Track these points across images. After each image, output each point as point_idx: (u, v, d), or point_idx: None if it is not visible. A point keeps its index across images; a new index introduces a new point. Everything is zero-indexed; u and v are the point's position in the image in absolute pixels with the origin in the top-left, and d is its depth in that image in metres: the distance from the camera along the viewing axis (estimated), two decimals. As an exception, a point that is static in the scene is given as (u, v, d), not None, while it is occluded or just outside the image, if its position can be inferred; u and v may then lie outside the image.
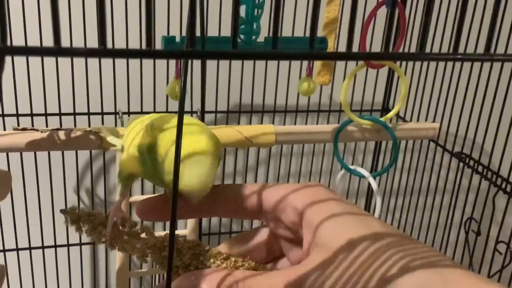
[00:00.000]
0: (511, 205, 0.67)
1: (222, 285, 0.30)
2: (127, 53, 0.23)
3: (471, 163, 0.73)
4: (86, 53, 0.22)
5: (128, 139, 0.38)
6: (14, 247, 0.87)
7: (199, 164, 0.31)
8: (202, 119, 0.71)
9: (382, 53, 0.27)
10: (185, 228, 0.89)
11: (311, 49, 0.26)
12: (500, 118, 0.68)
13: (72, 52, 0.21)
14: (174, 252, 0.34)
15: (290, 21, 0.81)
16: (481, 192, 0.72)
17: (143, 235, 0.36)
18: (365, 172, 0.70)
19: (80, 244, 0.92)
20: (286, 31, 0.82)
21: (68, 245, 0.90)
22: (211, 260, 0.33)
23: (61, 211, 0.36)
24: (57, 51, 0.21)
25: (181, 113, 0.37)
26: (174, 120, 0.35)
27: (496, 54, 0.27)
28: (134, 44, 0.78)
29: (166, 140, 0.33)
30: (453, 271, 0.26)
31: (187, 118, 0.35)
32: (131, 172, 0.37)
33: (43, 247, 0.89)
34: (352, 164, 0.83)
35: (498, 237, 0.69)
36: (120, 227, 0.36)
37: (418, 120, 0.86)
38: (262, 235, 0.36)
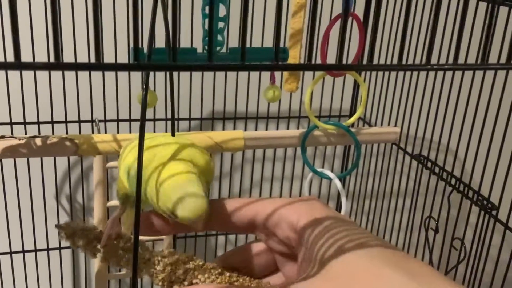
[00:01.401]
0: (465, 203, 0.72)
1: None
2: (76, 66, 0.27)
3: (429, 164, 0.78)
4: (43, 66, 0.25)
5: (123, 163, 0.38)
6: (-5, 252, 0.90)
7: (191, 188, 0.31)
8: (172, 127, 0.74)
9: (332, 65, 0.31)
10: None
11: (274, 60, 0.30)
12: (453, 122, 0.72)
13: (29, 66, 0.25)
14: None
15: (259, 32, 0.86)
16: (438, 192, 0.76)
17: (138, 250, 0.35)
18: (330, 174, 0.74)
19: (60, 248, 0.95)
20: (255, 42, 0.86)
21: (48, 249, 0.93)
22: (206, 275, 0.33)
23: (56, 226, 0.37)
24: (17, 65, 0.24)
25: (142, 122, 0.41)
26: (160, 141, 0.35)
27: (440, 64, 0.31)
28: (109, 57, 0.82)
29: (146, 164, 0.33)
30: (443, 285, 0.26)
31: (174, 138, 0.36)
32: (125, 191, 0.37)
33: (23, 252, 0.91)
34: (323, 167, 0.87)
35: (454, 234, 0.73)
36: (115, 242, 0.36)
37: (382, 124, 0.91)
38: (257, 249, 0.36)
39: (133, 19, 0.26)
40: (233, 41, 0.81)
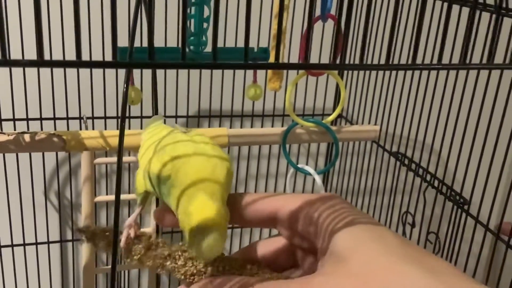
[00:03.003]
0: (439, 199, 0.74)
1: None
2: (61, 64, 0.29)
3: (406, 161, 0.81)
4: (27, 64, 0.28)
5: (143, 159, 0.38)
6: (-16, 246, 0.91)
7: (211, 235, 0.30)
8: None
9: (308, 64, 0.33)
10: (149, 227, 0.94)
11: (245, 61, 0.32)
12: (428, 120, 0.75)
13: (14, 63, 0.27)
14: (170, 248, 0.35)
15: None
16: (415, 187, 0.79)
17: (158, 247, 0.36)
18: (310, 170, 0.76)
19: (48, 242, 0.97)
20: (240, 42, 0.89)
21: (36, 244, 0.95)
22: (226, 268, 0.33)
23: (77, 229, 0.38)
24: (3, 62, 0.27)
25: (123, 118, 0.43)
26: (188, 151, 0.35)
27: (424, 64, 0.34)
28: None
29: (179, 185, 0.33)
30: (460, 282, 0.27)
31: (208, 148, 0.35)
32: (145, 189, 0.38)
33: (12, 246, 0.93)
34: (307, 164, 0.90)
35: (429, 228, 0.76)
36: (135, 241, 0.36)
37: (363, 122, 0.93)
38: (277, 244, 0.36)
39: (111, 17, 0.28)
40: (219, 41, 0.83)
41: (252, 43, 0.88)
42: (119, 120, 0.91)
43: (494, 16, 0.58)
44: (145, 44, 0.80)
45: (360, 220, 0.31)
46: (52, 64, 0.28)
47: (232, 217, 0.34)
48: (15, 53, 0.79)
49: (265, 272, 0.34)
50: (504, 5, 0.59)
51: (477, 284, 0.27)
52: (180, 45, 0.68)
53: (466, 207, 0.70)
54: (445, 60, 0.32)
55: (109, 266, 1.01)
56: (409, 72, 0.83)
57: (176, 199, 0.32)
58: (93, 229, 0.37)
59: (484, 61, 0.60)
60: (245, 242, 1.09)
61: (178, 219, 0.32)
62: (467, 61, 0.36)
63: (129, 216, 0.40)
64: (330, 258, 0.30)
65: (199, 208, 0.31)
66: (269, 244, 0.36)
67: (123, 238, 0.36)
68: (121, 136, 0.33)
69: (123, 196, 0.94)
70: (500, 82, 0.63)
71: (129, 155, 0.93)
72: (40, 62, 0.27)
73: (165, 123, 0.51)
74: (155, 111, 0.73)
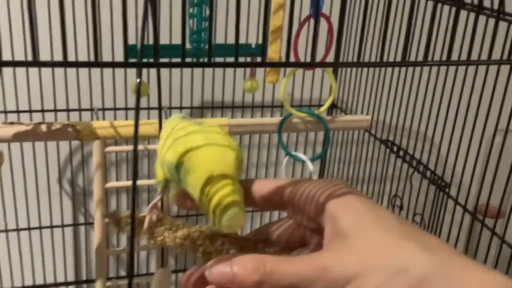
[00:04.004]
0: (424, 183, 0.80)
1: (251, 267, 0.32)
2: (83, 64, 0.35)
3: (395, 148, 0.86)
4: (55, 64, 0.34)
5: (163, 148, 0.39)
6: (3, 228, 0.98)
7: (231, 209, 0.33)
8: (159, 117, 0.82)
9: (297, 63, 0.39)
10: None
11: (236, 59, 0.38)
12: (414, 109, 0.81)
13: (43, 64, 0.33)
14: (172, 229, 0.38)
15: (244, 29, 0.94)
16: (403, 172, 0.85)
17: (178, 228, 0.38)
18: (303, 156, 0.82)
19: (62, 226, 1.04)
20: (241, 38, 0.94)
21: (51, 227, 1.02)
22: (241, 246, 0.36)
23: (105, 215, 0.42)
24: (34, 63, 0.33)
25: (137, 111, 0.48)
26: (198, 140, 0.37)
27: (411, 61, 0.40)
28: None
29: (193, 171, 0.35)
30: (457, 259, 0.29)
31: (219, 137, 0.37)
32: (164, 177, 0.39)
33: (29, 229, 1.00)
34: (304, 153, 0.96)
35: (415, 210, 0.82)
36: (157, 223, 0.39)
37: (356, 112, 0.99)
38: (287, 225, 0.39)
39: (123, 21, 0.34)
40: (220, 37, 0.89)
41: (251, 40, 0.94)
42: (127, 111, 0.98)
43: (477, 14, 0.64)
44: (150, 41, 0.86)
45: (363, 202, 0.34)
46: (77, 64, 0.34)
47: (246, 201, 0.36)
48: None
49: (276, 250, 0.36)
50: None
51: (467, 259, 0.30)
52: (191, 43, 0.74)
53: (447, 190, 0.76)
54: (436, 57, 0.38)
55: (120, 248, 1.07)
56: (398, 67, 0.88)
57: (193, 185, 0.35)
58: (118, 214, 0.40)
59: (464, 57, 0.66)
60: (256, 225, 1.15)
61: (198, 202, 0.35)
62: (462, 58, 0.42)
63: (148, 202, 0.44)
64: (335, 236, 0.33)
65: (218, 189, 0.33)
66: (279, 225, 0.39)
67: (146, 221, 0.38)
68: (136, 126, 0.38)
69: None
70: (476, 75, 0.69)
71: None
72: (65, 63, 0.33)
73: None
74: (159, 103, 0.79)
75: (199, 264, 0.37)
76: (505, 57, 0.49)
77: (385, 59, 0.39)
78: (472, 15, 0.63)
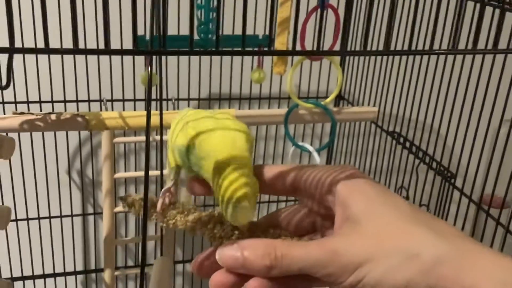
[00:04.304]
0: (430, 174, 0.81)
1: (262, 252, 0.32)
2: (94, 52, 0.36)
3: (401, 140, 0.87)
4: (65, 51, 0.34)
5: (172, 134, 0.40)
6: (13, 218, 1.00)
7: (241, 205, 0.33)
8: (161, 108, 0.83)
9: (301, 51, 0.40)
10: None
11: (243, 48, 0.39)
12: (420, 102, 0.81)
13: (53, 51, 0.34)
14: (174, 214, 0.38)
15: (252, 20, 0.94)
16: (409, 163, 0.85)
17: (190, 212, 0.39)
18: (309, 147, 0.83)
19: (72, 215, 1.05)
20: (249, 29, 0.95)
21: (61, 216, 1.03)
22: (252, 231, 0.36)
23: (120, 198, 0.41)
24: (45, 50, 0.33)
25: (149, 100, 0.49)
26: (209, 124, 0.37)
27: (417, 50, 0.40)
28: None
29: (205, 157, 0.35)
30: (468, 244, 0.30)
31: (228, 121, 0.37)
32: (177, 163, 0.39)
33: (39, 218, 1.02)
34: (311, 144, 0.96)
35: (421, 201, 0.82)
36: (170, 207, 0.39)
37: (363, 104, 1.00)
38: (299, 211, 0.39)
39: (132, 12, 0.35)
40: (228, 29, 0.90)
41: (259, 31, 0.95)
42: (135, 102, 0.98)
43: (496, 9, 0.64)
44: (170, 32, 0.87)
45: (373, 187, 0.34)
46: (86, 52, 0.35)
47: (259, 186, 0.36)
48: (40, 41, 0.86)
49: (286, 235, 0.36)
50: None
51: (478, 244, 0.30)
52: (198, 34, 0.75)
53: (453, 181, 0.76)
54: (443, 46, 0.39)
55: (128, 238, 1.09)
56: (404, 58, 0.88)
57: (206, 172, 0.35)
58: (133, 197, 0.40)
59: (470, 46, 0.66)
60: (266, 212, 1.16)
61: (212, 189, 0.35)
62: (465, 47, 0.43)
63: (156, 193, 0.44)
64: (346, 222, 0.33)
65: (229, 182, 0.33)
66: (291, 211, 0.39)
67: (159, 205, 0.39)
68: (148, 116, 0.39)
69: (142, 173, 1.01)
70: (482, 66, 0.69)
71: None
72: (76, 51, 0.34)
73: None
74: (160, 94, 0.79)
75: (209, 248, 0.37)
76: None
77: (392, 48, 0.40)
78: (478, 5, 0.63)
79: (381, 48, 0.45)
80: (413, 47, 0.43)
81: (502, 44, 0.53)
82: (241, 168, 0.34)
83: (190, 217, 0.38)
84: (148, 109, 0.48)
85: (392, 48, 0.41)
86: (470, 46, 0.60)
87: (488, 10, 0.62)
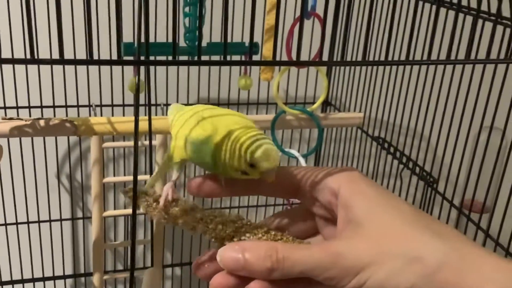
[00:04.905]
0: (413, 179, 0.82)
1: (263, 254, 0.32)
2: (80, 62, 0.37)
3: (386, 145, 0.88)
4: (52, 62, 0.36)
5: (180, 132, 0.40)
6: (2, 222, 1.00)
7: (265, 143, 0.34)
8: (149, 111, 0.84)
9: (287, 61, 0.41)
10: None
11: (224, 57, 0.40)
12: (404, 108, 0.82)
13: (41, 61, 0.35)
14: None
15: (240, 27, 0.95)
16: (393, 168, 0.87)
17: (192, 211, 0.38)
18: (295, 153, 0.84)
19: (61, 220, 1.05)
20: (235, 37, 0.96)
21: (49, 221, 1.04)
22: (253, 233, 0.36)
23: (122, 191, 0.41)
24: (32, 61, 0.34)
25: (137, 106, 0.50)
26: (223, 115, 0.38)
27: (394, 61, 0.42)
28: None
29: (210, 134, 0.36)
30: (470, 247, 0.30)
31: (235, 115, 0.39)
32: (181, 158, 0.39)
33: (28, 223, 1.02)
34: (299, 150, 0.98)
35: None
36: (172, 204, 0.39)
37: (349, 110, 1.01)
38: (300, 213, 0.39)
39: (116, 23, 0.36)
40: (217, 36, 0.91)
41: (246, 38, 0.96)
42: (124, 107, 0.99)
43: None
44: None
45: (376, 190, 0.34)
46: (74, 62, 0.36)
47: (259, 188, 0.37)
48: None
49: (288, 238, 0.36)
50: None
51: (480, 247, 0.30)
52: (178, 40, 0.76)
53: (435, 185, 0.78)
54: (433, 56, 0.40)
55: (117, 242, 1.09)
56: (389, 66, 0.90)
57: (220, 147, 0.35)
58: (136, 191, 0.40)
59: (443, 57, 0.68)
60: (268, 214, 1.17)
61: (233, 163, 0.35)
62: (451, 58, 0.44)
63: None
64: (349, 224, 0.33)
65: (243, 131, 0.35)
66: (292, 214, 0.39)
67: (161, 201, 0.38)
68: (136, 121, 0.40)
69: (132, 177, 1.02)
70: (462, 75, 0.71)
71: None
72: (63, 61, 0.35)
73: None
74: (148, 100, 0.80)
75: (210, 250, 0.37)
76: (492, 56, 0.50)
77: (383, 59, 0.41)
78: (457, 15, 0.65)
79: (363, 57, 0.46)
80: (410, 57, 0.45)
81: (494, 55, 0.55)
82: (256, 130, 0.35)
83: (192, 216, 0.38)
84: (136, 116, 0.49)
85: (388, 57, 0.43)
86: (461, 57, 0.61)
87: (468, 20, 0.64)
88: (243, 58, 0.82)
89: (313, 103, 1.10)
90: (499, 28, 0.60)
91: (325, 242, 0.35)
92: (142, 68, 0.90)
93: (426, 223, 0.31)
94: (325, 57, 1.04)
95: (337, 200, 0.34)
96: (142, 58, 0.37)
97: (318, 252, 0.31)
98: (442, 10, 0.66)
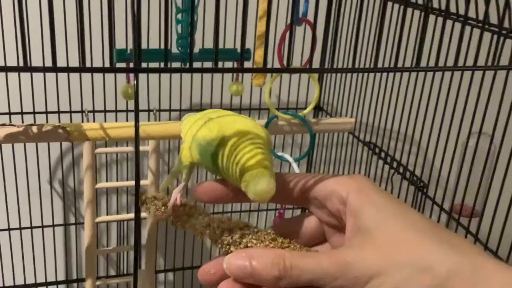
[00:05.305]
0: (404, 184, 0.83)
1: (271, 262, 0.32)
2: (72, 70, 0.38)
3: (377, 150, 0.89)
4: (45, 70, 0.36)
5: (187, 136, 0.40)
6: (-5, 228, 1.00)
7: (264, 178, 0.33)
8: (137, 120, 0.85)
9: (278, 69, 0.42)
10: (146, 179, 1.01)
11: (215, 64, 0.40)
12: (394, 114, 0.83)
13: (34, 69, 0.35)
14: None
15: (232, 34, 0.96)
16: (384, 173, 0.88)
17: (200, 216, 0.38)
18: (288, 157, 0.85)
19: (53, 225, 1.05)
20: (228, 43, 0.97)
21: (42, 227, 1.04)
22: (260, 240, 0.36)
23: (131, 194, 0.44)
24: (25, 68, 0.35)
25: (136, 112, 0.50)
26: (233, 120, 0.38)
27: (382, 68, 0.42)
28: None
29: (227, 142, 0.36)
30: (481, 258, 0.29)
31: (246, 120, 0.38)
32: (191, 161, 0.39)
33: (20, 228, 1.02)
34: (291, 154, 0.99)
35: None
36: (181, 209, 0.39)
37: (341, 115, 1.02)
38: (308, 220, 0.38)
39: (108, 32, 0.37)
40: (209, 43, 0.91)
41: (238, 45, 0.97)
42: (116, 113, 1.00)
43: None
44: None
45: (385, 198, 0.33)
46: (67, 70, 0.36)
47: None
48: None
49: (295, 246, 0.36)
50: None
51: (491, 258, 0.29)
52: (171, 47, 0.76)
53: (425, 190, 0.79)
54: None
55: (110, 248, 1.09)
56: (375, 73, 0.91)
57: (227, 155, 0.35)
58: (145, 194, 0.41)
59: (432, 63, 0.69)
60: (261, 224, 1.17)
61: (229, 173, 0.35)
62: (442, 65, 0.45)
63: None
64: (357, 233, 0.32)
65: (248, 157, 0.34)
66: (300, 221, 0.39)
67: (170, 205, 0.39)
68: (136, 126, 0.40)
69: (124, 183, 1.02)
70: (451, 81, 0.72)
71: (127, 145, 1.01)
72: (56, 69, 0.35)
73: None
74: (136, 107, 0.80)
75: (217, 257, 0.37)
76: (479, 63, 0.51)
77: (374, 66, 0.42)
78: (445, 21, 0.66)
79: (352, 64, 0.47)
80: (399, 64, 0.45)
81: (482, 61, 0.56)
82: (258, 144, 0.35)
83: (200, 221, 0.38)
84: (136, 122, 0.50)
85: (377, 64, 0.44)
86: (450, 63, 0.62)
87: (457, 26, 0.65)
88: (235, 65, 0.82)
89: (305, 108, 1.11)
90: (488, 35, 0.61)
91: (333, 251, 0.34)
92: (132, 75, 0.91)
93: (437, 233, 0.31)
94: (317, 63, 1.05)
95: (346, 208, 0.34)
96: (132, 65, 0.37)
97: (326, 261, 0.31)
98: (432, 18, 0.67)
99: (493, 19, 0.61)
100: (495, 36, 0.60)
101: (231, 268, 0.33)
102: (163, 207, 0.39)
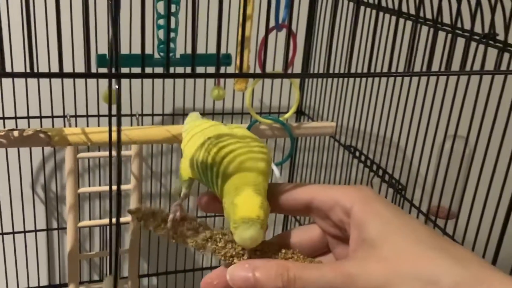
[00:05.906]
0: (383, 186, 0.84)
1: (274, 273, 0.31)
2: (49, 75, 0.38)
3: (357, 153, 0.91)
4: (21, 75, 0.37)
5: (187, 148, 0.40)
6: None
7: (254, 228, 0.33)
8: (117, 123, 0.85)
9: (259, 74, 0.43)
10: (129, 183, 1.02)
11: (192, 71, 0.41)
12: (374, 117, 0.85)
13: (10, 75, 0.36)
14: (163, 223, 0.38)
15: (213, 38, 0.97)
16: (364, 176, 0.89)
17: (200, 229, 0.38)
18: (269, 162, 0.86)
19: (35, 230, 1.05)
20: (210, 48, 0.98)
21: (24, 232, 1.04)
22: (263, 251, 0.35)
23: (129, 211, 0.40)
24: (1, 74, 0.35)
25: (119, 117, 0.50)
26: (231, 143, 0.37)
27: (355, 73, 0.43)
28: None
29: (225, 175, 0.35)
30: (486, 271, 0.29)
31: (250, 142, 0.37)
32: (190, 176, 0.39)
33: (2, 234, 1.02)
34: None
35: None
36: (180, 223, 0.38)
37: (322, 119, 1.03)
38: (311, 231, 0.38)
39: (85, 32, 0.38)
40: (188, 48, 0.92)
41: (222, 49, 0.98)
42: (99, 118, 1.00)
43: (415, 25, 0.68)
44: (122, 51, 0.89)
45: (390, 210, 0.33)
46: (48, 75, 0.37)
47: (271, 205, 0.36)
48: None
49: (299, 256, 0.36)
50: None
51: (499, 272, 0.29)
52: (152, 52, 0.77)
53: (403, 192, 0.80)
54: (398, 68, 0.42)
55: (92, 253, 1.09)
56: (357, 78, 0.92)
57: (223, 190, 0.35)
58: (142, 211, 0.40)
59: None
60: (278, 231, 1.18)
61: (224, 207, 0.35)
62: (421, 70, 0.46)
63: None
64: (362, 245, 0.32)
65: (244, 202, 0.33)
66: (303, 231, 0.38)
67: (169, 220, 0.38)
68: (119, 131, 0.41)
69: (107, 188, 1.02)
70: (422, 86, 0.73)
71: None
72: (36, 74, 0.36)
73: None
74: (118, 112, 0.81)
75: (220, 268, 0.36)
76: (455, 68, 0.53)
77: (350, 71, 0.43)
78: (432, 30, 0.67)
79: (332, 70, 0.48)
80: (372, 69, 0.46)
81: (456, 66, 0.57)
82: (256, 186, 0.35)
83: (201, 235, 0.37)
84: (118, 126, 0.50)
85: (351, 69, 0.45)
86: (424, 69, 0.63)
87: (441, 34, 0.67)
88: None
89: (288, 112, 1.12)
90: (461, 40, 0.62)
91: (337, 262, 0.34)
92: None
93: (441, 245, 0.30)
94: (298, 69, 1.07)
95: (350, 219, 0.34)
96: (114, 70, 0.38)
97: (330, 272, 0.31)
98: (402, 21, 0.68)
99: (466, 25, 0.63)
100: (468, 41, 0.61)
101: (235, 280, 0.33)
102: (162, 223, 0.39)
